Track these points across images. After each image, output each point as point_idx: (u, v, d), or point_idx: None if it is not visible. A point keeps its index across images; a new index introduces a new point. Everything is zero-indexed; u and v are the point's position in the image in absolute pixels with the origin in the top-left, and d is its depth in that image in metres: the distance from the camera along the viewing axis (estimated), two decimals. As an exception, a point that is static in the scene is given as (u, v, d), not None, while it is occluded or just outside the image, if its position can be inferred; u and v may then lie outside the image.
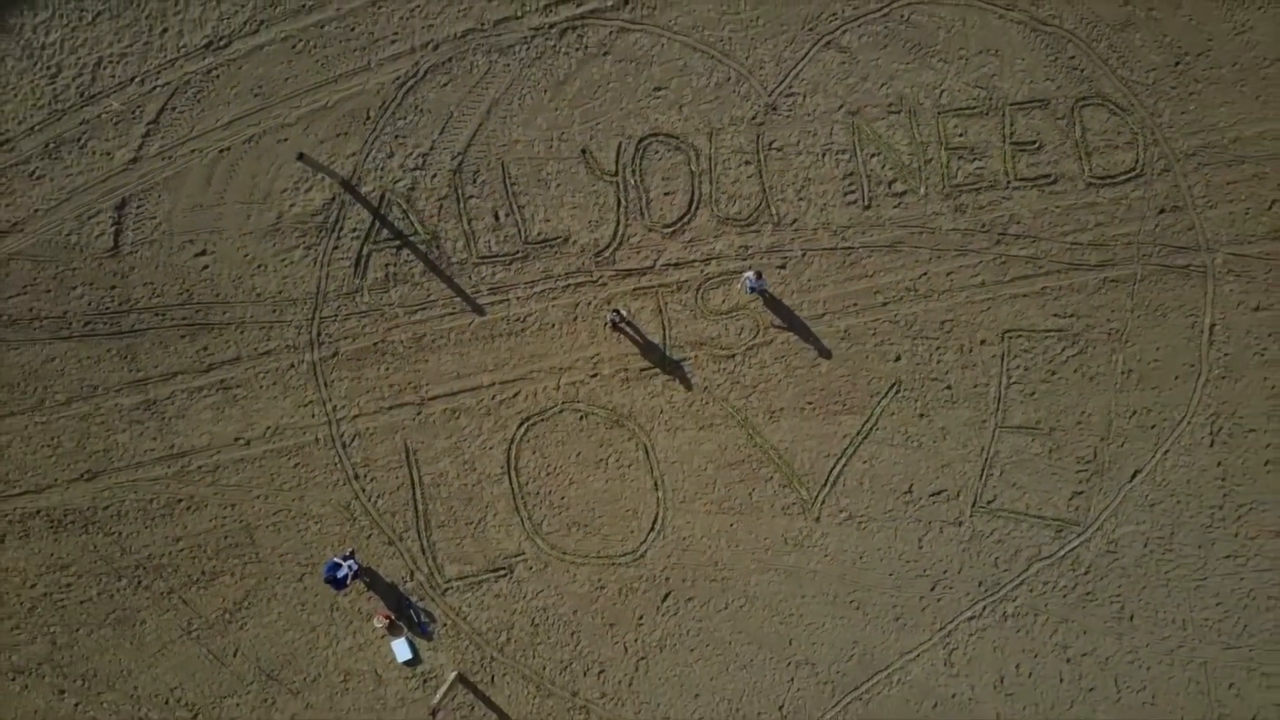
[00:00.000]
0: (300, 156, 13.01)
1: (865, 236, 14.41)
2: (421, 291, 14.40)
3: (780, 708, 14.49)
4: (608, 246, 14.44)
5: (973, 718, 14.52)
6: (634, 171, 14.41)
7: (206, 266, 14.41)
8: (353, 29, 14.41)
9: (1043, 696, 14.53)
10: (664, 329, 14.48)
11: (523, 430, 14.48)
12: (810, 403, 14.47)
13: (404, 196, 14.38)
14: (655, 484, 14.52)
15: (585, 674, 14.45)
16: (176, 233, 14.40)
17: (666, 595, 14.49)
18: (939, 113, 14.47)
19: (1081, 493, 14.50)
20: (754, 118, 14.43)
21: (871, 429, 14.45)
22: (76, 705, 14.55)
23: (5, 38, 14.33)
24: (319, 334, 14.39)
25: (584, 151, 14.39)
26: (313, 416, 14.43)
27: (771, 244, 14.45)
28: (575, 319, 14.50)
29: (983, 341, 14.46)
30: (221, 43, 14.40)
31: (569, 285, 14.47)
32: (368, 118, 14.38)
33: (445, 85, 14.41)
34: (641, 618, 14.48)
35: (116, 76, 14.39)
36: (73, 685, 14.54)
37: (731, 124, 14.43)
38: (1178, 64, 14.55)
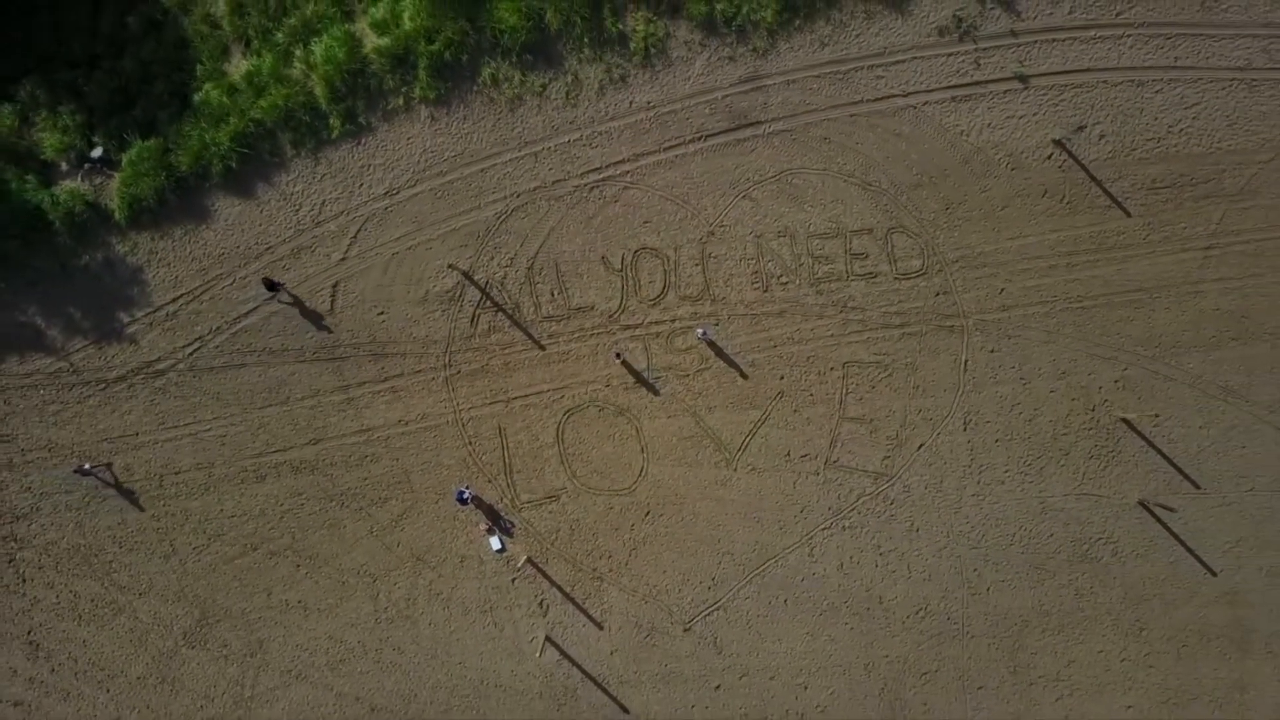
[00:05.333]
0: (450, 266, 23.59)
1: (764, 309, 24.90)
2: (508, 337, 24.93)
3: (712, 579, 25.03)
4: (616, 312, 24.92)
5: (824, 587, 25.05)
6: (631, 269, 24.93)
7: (384, 321, 24.93)
8: (469, 184, 24.87)
9: (864, 575, 25.03)
10: (648, 360, 24.97)
11: (566, 417, 25.00)
12: (732, 403, 24.98)
13: (499, 282, 24.88)
14: (642, 449, 25.02)
15: (600, 558, 25.02)
16: (367, 301, 24.93)
17: (648, 513, 25.02)
18: (807, 236, 24.87)
19: (889, 457, 24.95)
20: (701, 239, 24.90)
21: (766, 418, 24.95)
22: (306, 574, 25.12)
23: (269, 189, 24.88)
24: (449, 361, 24.92)
25: (603, 258, 24.86)
26: (445, 408, 24.96)
27: (711, 312, 24.95)
28: (596, 353, 25.01)
29: (832, 369, 24.92)
30: (394, 192, 24.88)
31: (593, 334, 24.96)
32: (479, 236, 24.86)
33: (523, 218, 24.89)
34: (633, 525, 25.02)
35: (333, 210, 24.94)
36: (304, 562, 25.12)
37: (688, 242, 24.91)
38: (947, 209, 24.95)
